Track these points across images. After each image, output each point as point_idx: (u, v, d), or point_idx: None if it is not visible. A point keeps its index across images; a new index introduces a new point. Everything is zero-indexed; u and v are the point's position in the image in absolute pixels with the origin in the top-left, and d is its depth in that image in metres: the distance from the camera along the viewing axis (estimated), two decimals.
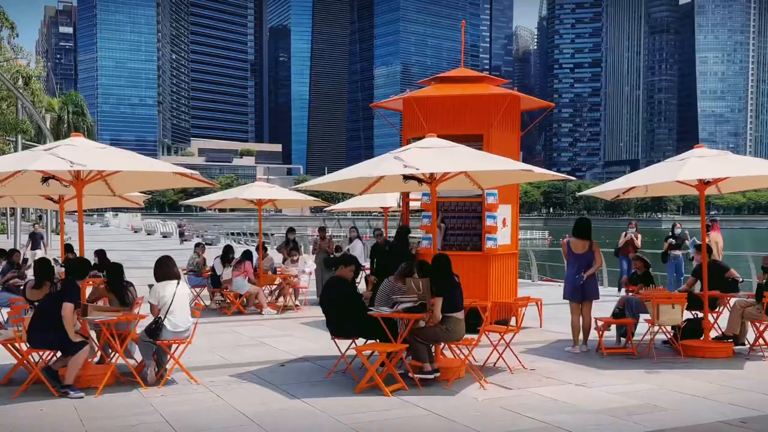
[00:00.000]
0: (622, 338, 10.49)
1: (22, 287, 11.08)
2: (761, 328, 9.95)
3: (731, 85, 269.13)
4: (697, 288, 11.02)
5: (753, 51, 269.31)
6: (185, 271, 15.36)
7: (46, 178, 8.32)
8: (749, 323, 10.22)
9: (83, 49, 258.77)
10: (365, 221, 79.08)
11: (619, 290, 16.99)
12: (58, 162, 7.40)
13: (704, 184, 10.01)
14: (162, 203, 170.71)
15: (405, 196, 13.55)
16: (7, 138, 34.51)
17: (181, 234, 50.65)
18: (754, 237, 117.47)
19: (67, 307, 7.59)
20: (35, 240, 24.42)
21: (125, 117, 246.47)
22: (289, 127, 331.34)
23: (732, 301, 10.63)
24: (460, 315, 8.25)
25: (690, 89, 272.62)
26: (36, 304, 8.58)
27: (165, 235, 60.70)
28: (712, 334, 10.36)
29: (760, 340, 9.95)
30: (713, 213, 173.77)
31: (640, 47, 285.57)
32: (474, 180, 9.86)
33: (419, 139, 9.32)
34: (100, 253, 14.06)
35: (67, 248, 12.52)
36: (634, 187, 11.16)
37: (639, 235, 18.04)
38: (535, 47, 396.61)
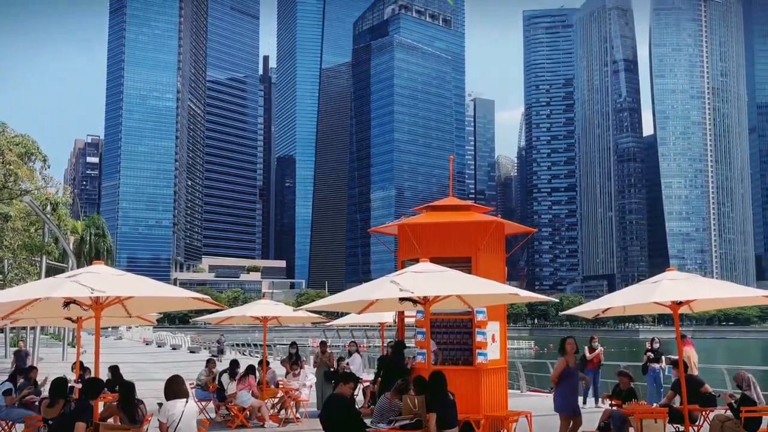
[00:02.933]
0: None
1: (37, 403, 10.78)
2: None
3: (695, 207, 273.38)
4: (676, 402, 10.77)
5: (712, 177, 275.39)
6: (193, 386, 14.99)
7: (68, 303, 8.28)
8: None
9: (107, 177, 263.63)
10: (362, 331, 78.06)
11: (596, 403, 16.57)
12: (80, 289, 7.39)
13: (677, 304, 10.00)
14: (173, 317, 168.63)
15: (401, 313, 13.49)
16: (33, 258, 34.54)
17: (221, 351, 48.23)
18: (726, 347, 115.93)
19: (80, 427, 7.37)
20: (20, 358, 23.10)
21: (142, 237, 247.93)
22: (292, 245, 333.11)
23: (711, 415, 10.36)
24: (455, 431, 8.02)
25: (658, 210, 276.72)
26: (50, 422, 8.32)
27: (174, 347, 59.65)
28: None
29: None
30: (687, 323, 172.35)
31: (611, 173, 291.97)
32: (465, 301, 9.85)
33: (413, 261, 9.39)
34: (114, 369, 13.76)
35: (82, 367, 12.27)
36: (612, 307, 11.12)
37: (601, 348, 17.62)
38: (516, 173, 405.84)
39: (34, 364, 16.72)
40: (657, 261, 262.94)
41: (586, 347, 17.24)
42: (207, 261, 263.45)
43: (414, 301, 8.92)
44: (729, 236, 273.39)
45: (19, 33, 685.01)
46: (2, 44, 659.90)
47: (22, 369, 13.71)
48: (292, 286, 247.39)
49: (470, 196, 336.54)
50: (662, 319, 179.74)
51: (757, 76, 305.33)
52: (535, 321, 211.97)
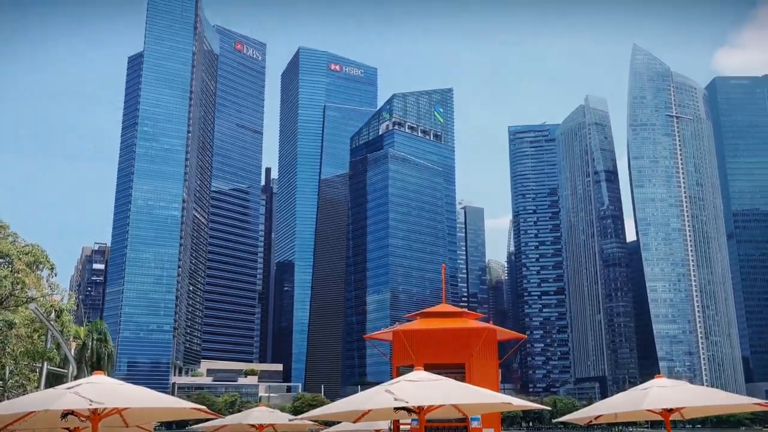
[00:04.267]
0: None
1: None
2: None
3: (680, 310, 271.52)
4: None
5: (695, 281, 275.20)
6: None
7: (66, 414, 8.05)
8: None
9: (112, 283, 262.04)
10: None
11: None
12: (79, 401, 7.20)
13: (668, 411, 9.78)
14: (170, 422, 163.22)
15: (396, 421, 13.11)
16: (34, 364, 33.75)
17: None
18: None
19: None
20: None
21: (143, 342, 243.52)
22: (289, 348, 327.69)
23: None
24: None
25: (645, 313, 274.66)
26: None
27: None
28: None
29: None
30: (680, 426, 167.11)
31: (598, 278, 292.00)
32: (459, 409, 9.60)
33: (408, 367, 9.25)
34: None
35: None
36: (604, 414, 10.85)
37: None
38: (506, 277, 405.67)
39: None
40: (646, 363, 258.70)
41: None
42: (205, 365, 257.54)
43: (409, 410, 8.70)
44: (715, 338, 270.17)
45: (37, 151, 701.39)
46: (22, 159, 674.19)
47: None
48: (289, 389, 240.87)
49: (463, 299, 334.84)
50: (655, 425, 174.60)
51: (730, 186, 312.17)
52: (530, 424, 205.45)
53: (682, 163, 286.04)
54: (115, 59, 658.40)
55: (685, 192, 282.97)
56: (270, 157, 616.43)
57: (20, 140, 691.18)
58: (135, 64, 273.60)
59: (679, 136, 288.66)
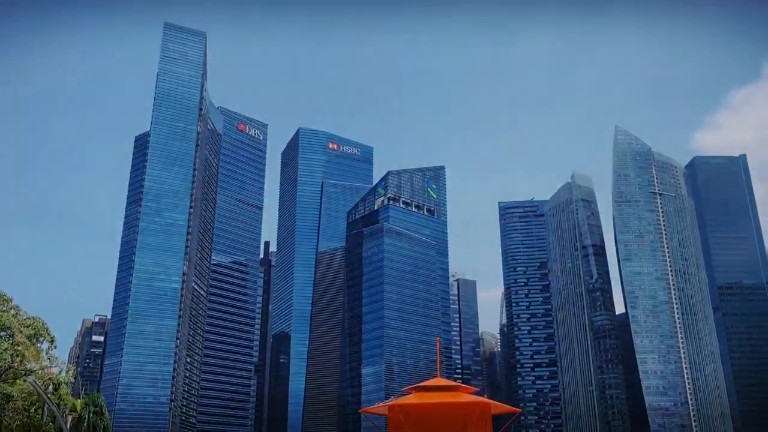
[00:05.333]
0: None
1: None
2: None
3: (671, 382, 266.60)
4: None
5: (684, 353, 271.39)
6: None
7: None
8: None
9: (110, 355, 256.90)
10: None
11: None
12: None
13: None
14: None
15: None
16: None
17: None
18: None
19: None
20: None
21: (139, 414, 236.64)
22: (285, 418, 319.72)
23: None
24: None
25: (636, 385, 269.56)
26: None
27: None
28: None
29: None
30: None
31: (589, 349, 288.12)
32: None
33: None
34: None
35: None
36: None
37: None
38: (499, 349, 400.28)
39: None
40: None
41: None
42: None
43: None
44: (707, 411, 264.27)
45: (46, 225, 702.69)
46: (29, 232, 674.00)
47: None
48: None
49: (457, 371, 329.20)
50: None
51: (714, 260, 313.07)
52: None
53: (666, 238, 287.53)
54: (123, 138, 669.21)
55: (670, 266, 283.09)
56: (269, 231, 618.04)
57: (27, 214, 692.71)
58: (141, 143, 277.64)
59: (662, 212, 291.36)
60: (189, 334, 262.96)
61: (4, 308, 27.31)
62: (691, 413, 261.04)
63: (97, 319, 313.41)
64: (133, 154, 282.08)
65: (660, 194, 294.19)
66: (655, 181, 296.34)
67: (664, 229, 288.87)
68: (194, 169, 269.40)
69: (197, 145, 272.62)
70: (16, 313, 27.59)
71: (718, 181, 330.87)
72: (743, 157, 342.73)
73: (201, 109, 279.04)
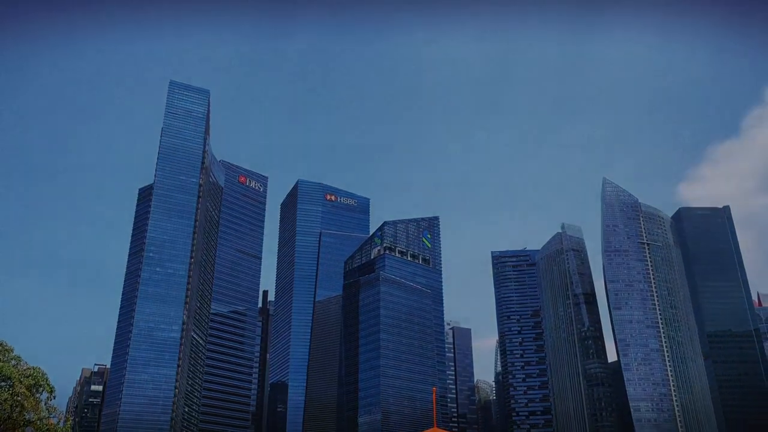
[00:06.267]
0: None
1: None
2: None
3: (664, 430, 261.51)
4: None
5: (676, 401, 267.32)
6: None
7: None
8: None
9: (108, 404, 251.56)
10: None
11: None
12: None
13: None
14: None
15: None
16: None
17: None
18: None
19: None
20: None
21: None
22: None
23: None
24: None
25: None
26: None
27: None
28: None
29: None
30: None
31: (582, 397, 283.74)
32: None
33: None
34: None
35: None
36: None
37: None
38: (494, 397, 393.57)
39: None
40: None
41: None
42: None
43: None
44: None
45: (48, 276, 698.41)
46: (31, 283, 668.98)
47: None
48: None
49: (453, 419, 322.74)
50: None
51: (702, 309, 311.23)
52: None
53: (655, 287, 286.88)
54: (127, 191, 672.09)
55: (660, 314, 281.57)
56: (267, 280, 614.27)
57: (30, 264, 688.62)
58: (145, 195, 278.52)
59: (650, 261, 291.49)
60: (187, 383, 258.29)
61: (5, 358, 26.84)
62: None
63: (96, 369, 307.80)
64: (137, 205, 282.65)
65: (648, 244, 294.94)
66: (643, 231, 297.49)
67: (653, 278, 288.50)
68: (195, 221, 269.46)
69: (199, 197, 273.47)
70: (17, 363, 27.14)
71: (703, 231, 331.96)
72: (727, 207, 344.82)
73: (203, 163, 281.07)
